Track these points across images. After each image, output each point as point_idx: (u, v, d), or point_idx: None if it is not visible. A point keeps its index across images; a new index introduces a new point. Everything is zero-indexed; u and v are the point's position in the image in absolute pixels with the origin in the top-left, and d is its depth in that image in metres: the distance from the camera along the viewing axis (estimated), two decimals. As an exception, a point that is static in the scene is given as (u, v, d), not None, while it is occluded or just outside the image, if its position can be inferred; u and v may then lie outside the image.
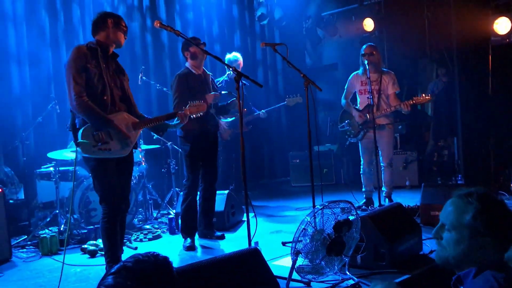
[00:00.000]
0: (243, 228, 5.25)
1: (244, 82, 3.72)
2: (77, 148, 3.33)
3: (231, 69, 3.74)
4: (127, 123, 3.49)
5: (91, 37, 3.61)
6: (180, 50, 4.73)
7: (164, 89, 6.08)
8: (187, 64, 4.69)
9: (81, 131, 3.29)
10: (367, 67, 5.20)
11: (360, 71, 5.46)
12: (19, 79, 6.01)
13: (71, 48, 6.18)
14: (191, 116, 3.89)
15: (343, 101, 5.74)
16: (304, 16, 9.04)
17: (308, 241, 3.26)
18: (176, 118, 3.85)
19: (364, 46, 5.50)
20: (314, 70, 9.03)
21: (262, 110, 6.62)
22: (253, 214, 4.00)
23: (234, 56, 6.12)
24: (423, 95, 5.33)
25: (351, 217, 3.31)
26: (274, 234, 4.89)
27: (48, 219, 5.23)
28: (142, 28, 7.30)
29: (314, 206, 3.95)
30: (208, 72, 4.83)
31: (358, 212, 3.41)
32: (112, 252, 3.42)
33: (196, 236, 4.73)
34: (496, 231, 1.56)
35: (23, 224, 5.40)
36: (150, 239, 4.94)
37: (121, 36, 3.57)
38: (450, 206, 1.64)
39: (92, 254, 4.41)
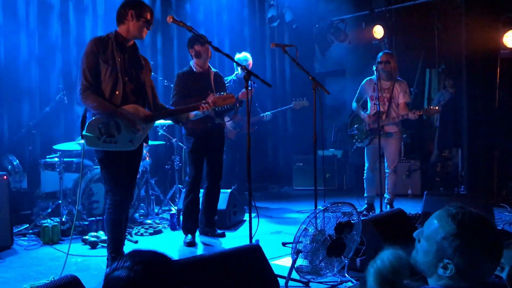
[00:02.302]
0: (244, 228, 5.27)
1: (253, 82, 3.72)
2: (83, 140, 3.33)
3: (240, 67, 3.75)
4: (137, 116, 3.43)
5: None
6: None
7: (172, 85, 6.11)
8: (191, 63, 4.73)
9: (87, 124, 3.29)
10: (380, 74, 5.25)
11: (374, 76, 5.45)
12: (28, 69, 6.05)
13: (80, 38, 6.37)
14: (216, 109, 3.84)
15: (354, 104, 5.75)
16: (315, 20, 9.05)
17: (308, 241, 3.28)
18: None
19: (380, 54, 5.52)
20: (321, 75, 9.04)
21: (267, 112, 6.63)
22: (255, 213, 4.00)
23: (244, 56, 6.13)
24: (431, 107, 5.35)
25: (352, 220, 3.32)
26: (274, 235, 4.90)
27: (49, 210, 5.26)
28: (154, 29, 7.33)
29: (316, 208, 3.97)
30: (213, 70, 4.82)
31: (360, 215, 3.42)
32: (115, 244, 3.43)
33: (197, 233, 4.75)
34: (463, 265, 1.48)
35: (25, 213, 5.41)
36: (151, 234, 4.96)
37: (142, 30, 3.46)
38: (435, 217, 1.58)
39: (93, 245, 4.44)
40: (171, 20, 3.48)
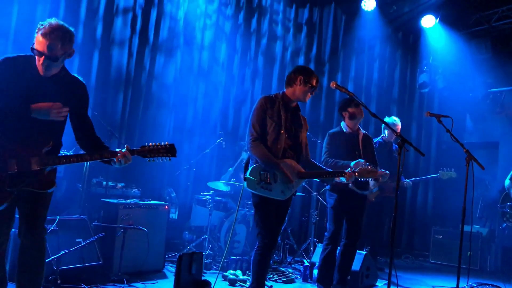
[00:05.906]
0: (375, 293, 5.19)
1: (407, 149, 3.77)
2: (244, 182, 3.70)
3: (394, 134, 3.83)
4: (293, 170, 3.74)
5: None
6: (337, 110, 5.00)
7: (318, 141, 6.41)
8: (342, 123, 4.93)
9: (250, 168, 3.68)
10: None
11: None
12: (193, 113, 6.85)
13: (237, 95, 7.11)
14: (359, 179, 4.02)
15: (507, 182, 5.45)
16: (468, 89, 8.78)
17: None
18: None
19: None
20: (470, 145, 8.61)
21: (407, 180, 6.52)
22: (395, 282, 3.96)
23: (393, 119, 6.19)
24: None
25: (501, 306, 3.14)
26: (408, 306, 4.74)
27: (193, 244, 5.74)
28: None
29: (457, 286, 3.80)
30: (362, 131, 4.96)
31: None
32: (258, 283, 3.65)
33: (329, 289, 4.79)
34: None
35: (174, 242, 6.02)
36: (284, 282, 5.13)
37: (306, 95, 3.85)
38: None
39: (232, 283, 4.74)
40: (334, 85, 3.73)
